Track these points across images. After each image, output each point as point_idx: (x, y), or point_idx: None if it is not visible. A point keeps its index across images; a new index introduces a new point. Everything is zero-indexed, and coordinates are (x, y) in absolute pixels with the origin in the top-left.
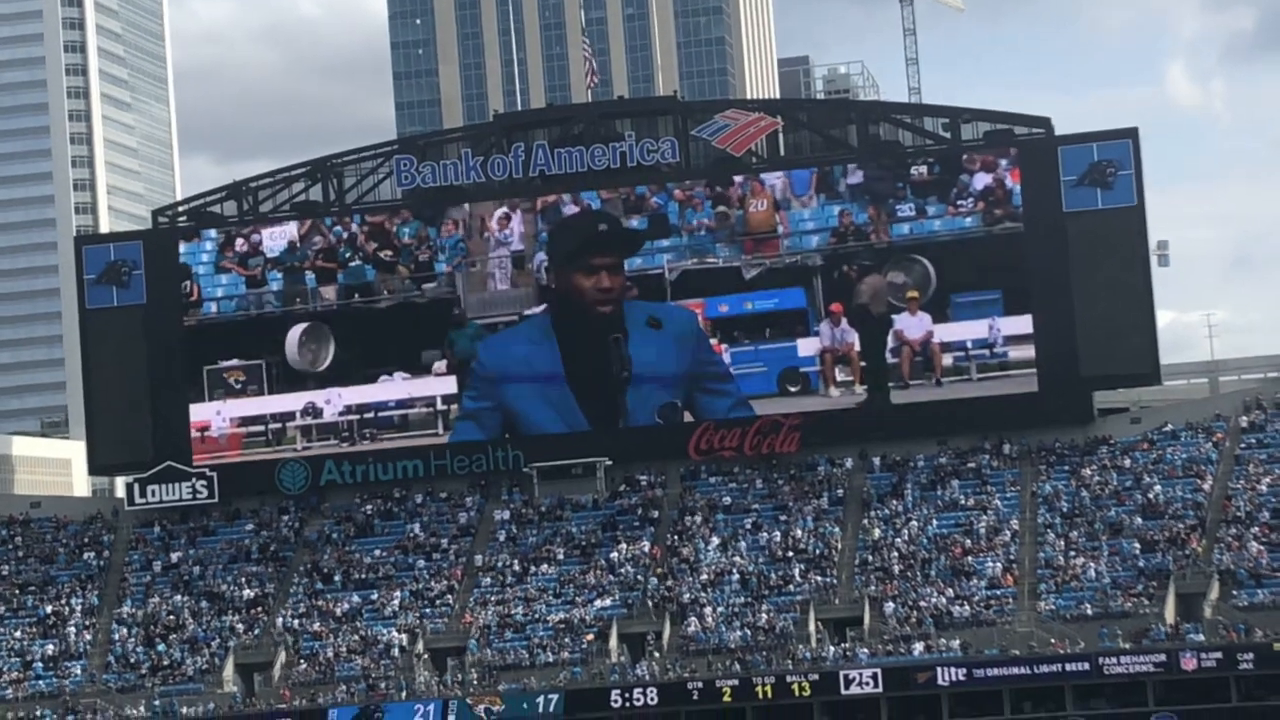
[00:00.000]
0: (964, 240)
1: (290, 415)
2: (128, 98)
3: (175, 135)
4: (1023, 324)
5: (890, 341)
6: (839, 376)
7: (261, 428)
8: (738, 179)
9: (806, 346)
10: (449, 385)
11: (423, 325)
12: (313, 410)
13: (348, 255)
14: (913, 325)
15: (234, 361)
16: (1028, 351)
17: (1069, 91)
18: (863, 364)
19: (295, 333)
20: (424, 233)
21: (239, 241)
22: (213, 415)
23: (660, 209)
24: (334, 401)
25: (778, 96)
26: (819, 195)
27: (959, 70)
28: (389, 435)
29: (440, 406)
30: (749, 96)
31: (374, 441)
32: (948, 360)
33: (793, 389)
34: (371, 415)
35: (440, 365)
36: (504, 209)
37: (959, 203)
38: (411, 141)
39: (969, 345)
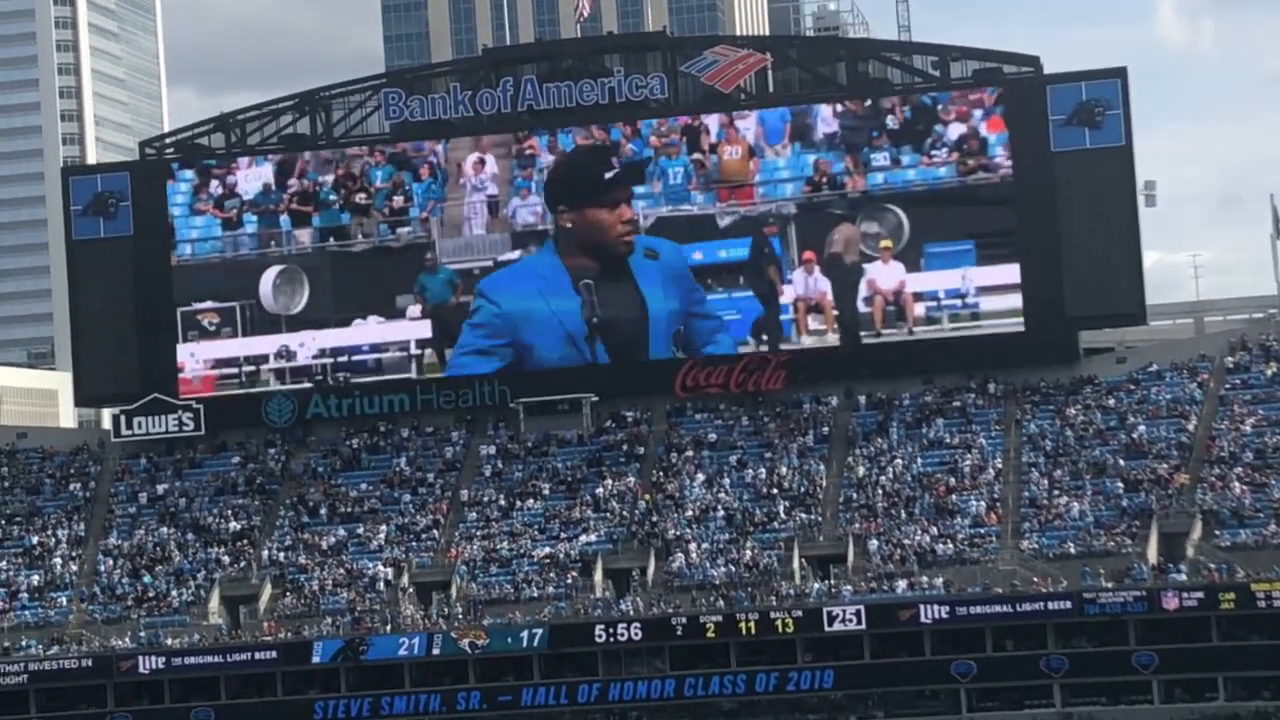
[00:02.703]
0: (938, 190)
1: (264, 358)
2: (115, 28)
3: (163, 66)
4: (995, 274)
5: (863, 290)
6: (811, 325)
7: (235, 370)
8: (713, 127)
9: (780, 294)
10: (423, 330)
11: (397, 269)
12: (286, 353)
13: (330, 196)
14: (885, 274)
15: (208, 304)
16: (1001, 302)
17: (1058, 29)
18: (835, 312)
19: (270, 275)
20: (398, 177)
21: (214, 184)
22: (187, 357)
23: (636, 155)
24: (308, 345)
25: (767, 33)
26: (794, 144)
27: (949, 7)
28: (363, 378)
29: (414, 350)
30: (738, 33)
31: (347, 386)
32: (920, 310)
33: (766, 336)
34: (345, 359)
35: (414, 310)
36: (478, 154)
37: (933, 153)
38: (399, 75)
39: (941, 295)
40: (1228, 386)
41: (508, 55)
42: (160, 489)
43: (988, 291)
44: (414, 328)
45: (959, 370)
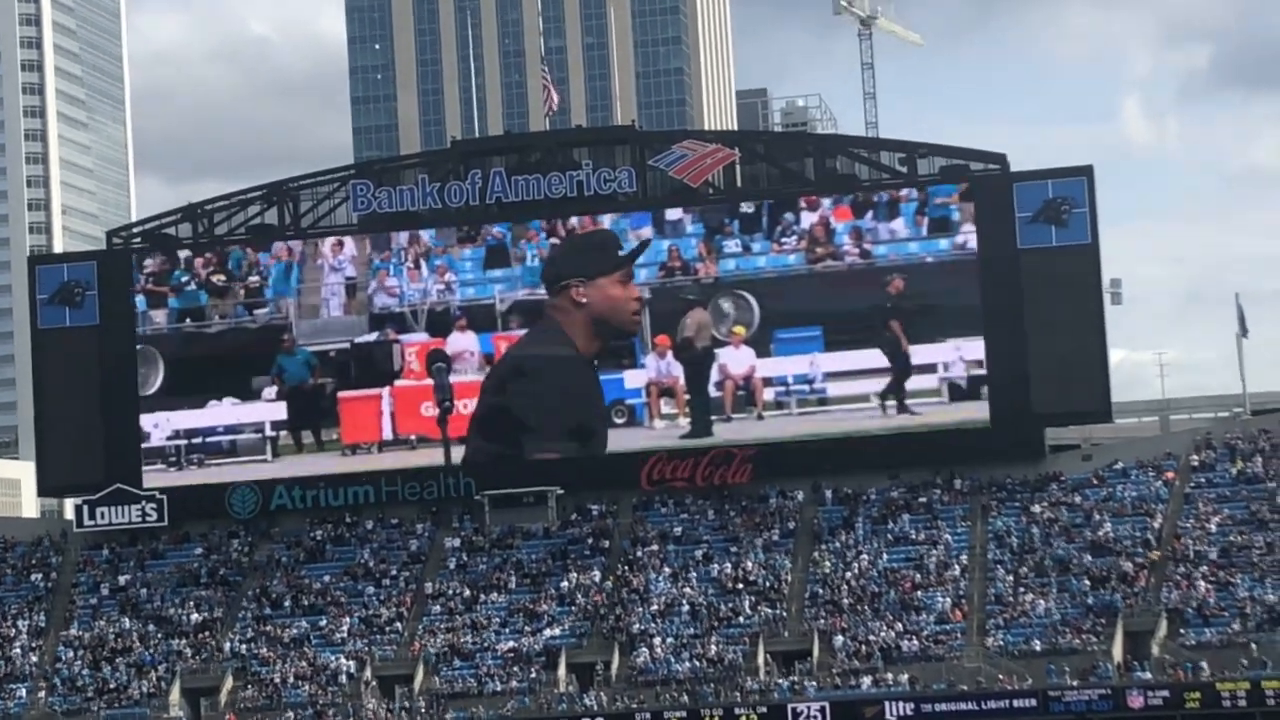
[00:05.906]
0: (788, 277)
1: None
2: (84, 117)
3: (131, 156)
4: (842, 360)
5: (714, 375)
6: (663, 409)
7: None
8: (576, 215)
9: (633, 379)
10: (279, 411)
11: (253, 351)
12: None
13: (183, 279)
14: (736, 359)
15: None
16: (849, 388)
17: (1025, 126)
18: (687, 397)
19: None
20: (254, 259)
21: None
22: None
23: (500, 240)
24: (162, 425)
25: (735, 128)
26: (651, 230)
27: (916, 104)
28: (217, 461)
29: (270, 432)
30: (707, 128)
31: (201, 467)
32: (769, 395)
33: (619, 420)
34: (200, 440)
35: (270, 391)
36: (335, 236)
37: (783, 240)
38: (368, 166)
39: (790, 380)
40: (1193, 484)
41: (476, 147)
42: (122, 580)
43: (835, 377)
44: (270, 409)
45: (926, 466)
